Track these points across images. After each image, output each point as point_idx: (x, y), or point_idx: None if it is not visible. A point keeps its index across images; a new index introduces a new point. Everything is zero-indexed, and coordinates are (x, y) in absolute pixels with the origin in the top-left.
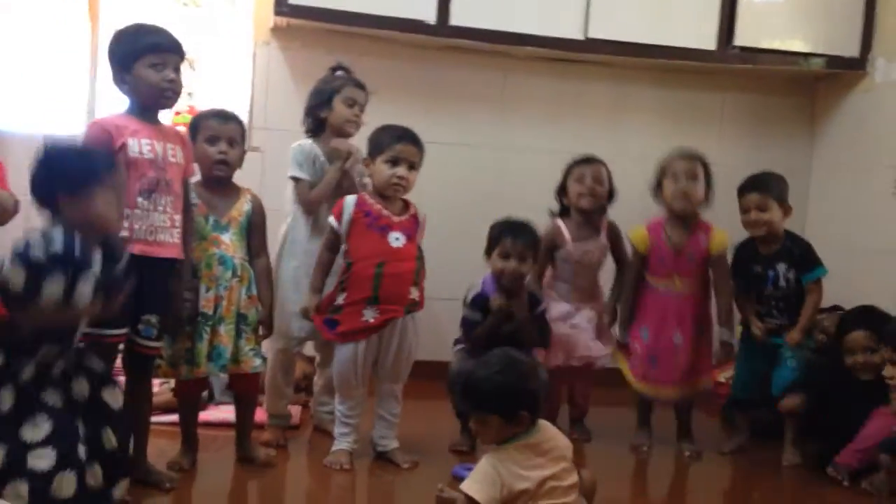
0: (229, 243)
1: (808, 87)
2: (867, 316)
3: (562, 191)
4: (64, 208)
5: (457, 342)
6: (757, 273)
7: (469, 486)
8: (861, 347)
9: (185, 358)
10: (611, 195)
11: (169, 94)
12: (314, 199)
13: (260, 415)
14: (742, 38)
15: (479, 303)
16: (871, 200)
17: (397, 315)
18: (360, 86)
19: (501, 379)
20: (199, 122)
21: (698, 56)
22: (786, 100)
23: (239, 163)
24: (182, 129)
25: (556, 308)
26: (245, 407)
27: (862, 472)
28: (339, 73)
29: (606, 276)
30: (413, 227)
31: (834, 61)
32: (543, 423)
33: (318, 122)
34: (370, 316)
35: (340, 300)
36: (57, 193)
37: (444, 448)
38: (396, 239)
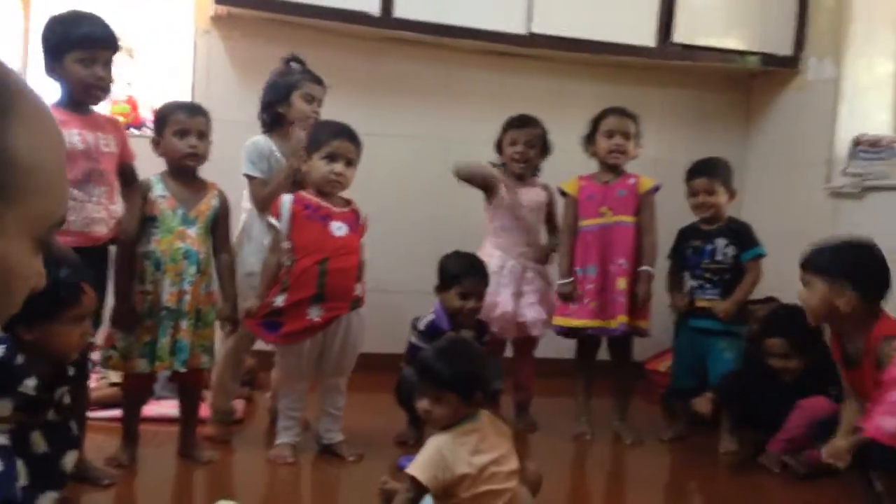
0: (195, 237)
1: (744, 83)
2: (788, 321)
3: (499, 147)
4: (22, 334)
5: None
6: (695, 246)
7: (414, 467)
8: (778, 354)
9: (144, 352)
10: (545, 152)
11: (97, 91)
12: (266, 198)
13: (203, 410)
14: (681, 35)
15: (431, 335)
16: (803, 194)
17: (342, 312)
18: (318, 81)
19: (463, 359)
20: (167, 115)
21: (638, 52)
22: (723, 96)
23: (207, 155)
24: (119, 117)
25: (501, 266)
26: (190, 402)
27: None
28: (294, 65)
29: None
30: (354, 220)
31: (769, 59)
32: (484, 411)
33: (274, 117)
34: (315, 315)
35: (280, 302)
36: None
37: (390, 440)
38: (339, 228)
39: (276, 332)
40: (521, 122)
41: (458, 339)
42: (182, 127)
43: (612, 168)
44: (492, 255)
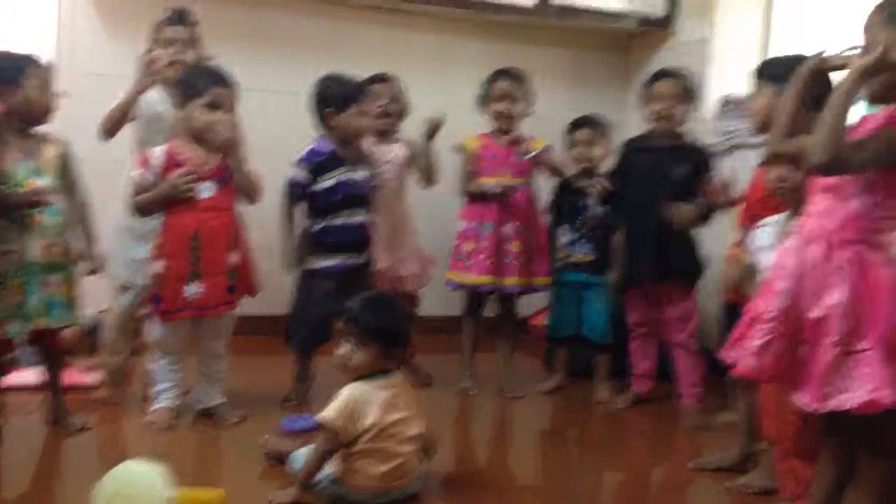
0: (47, 188)
1: (623, 44)
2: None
3: None
4: None
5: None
6: (572, 202)
7: (327, 414)
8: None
9: (13, 314)
10: (404, 111)
11: None
12: (106, 119)
13: (73, 376)
14: None
15: (309, 161)
16: None
17: (220, 300)
18: (179, 20)
19: (391, 313)
20: (24, 68)
21: (519, 12)
22: (602, 56)
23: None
24: None
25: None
26: (54, 366)
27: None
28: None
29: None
30: (225, 174)
31: (644, 20)
32: (400, 373)
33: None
34: (192, 293)
35: (159, 268)
36: None
37: (275, 402)
38: (207, 189)
39: (157, 304)
40: (381, 78)
41: (388, 294)
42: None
43: (504, 131)
44: None
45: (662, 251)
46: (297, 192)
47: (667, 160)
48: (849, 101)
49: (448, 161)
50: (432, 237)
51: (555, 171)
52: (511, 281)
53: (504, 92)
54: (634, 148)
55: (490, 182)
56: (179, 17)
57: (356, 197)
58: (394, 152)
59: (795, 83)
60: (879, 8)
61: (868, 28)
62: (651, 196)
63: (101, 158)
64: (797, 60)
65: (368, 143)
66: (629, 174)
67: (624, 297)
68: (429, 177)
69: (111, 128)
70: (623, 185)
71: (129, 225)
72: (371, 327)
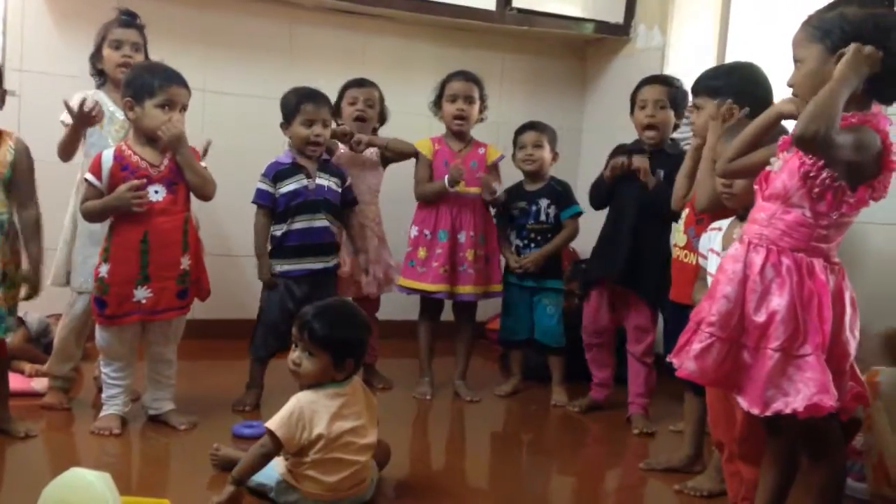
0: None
1: (580, 50)
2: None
3: (336, 109)
4: None
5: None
6: (521, 207)
7: (273, 423)
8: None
9: None
10: (382, 118)
11: None
12: (59, 152)
13: (15, 381)
14: (520, 0)
15: (270, 173)
16: None
17: (170, 305)
18: (127, 23)
19: (343, 323)
20: None
21: (479, 16)
22: (560, 62)
23: None
24: None
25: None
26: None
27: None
28: (123, 17)
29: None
30: (176, 175)
31: (601, 27)
32: (357, 379)
33: (98, 71)
34: (141, 296)
35: (104, 272)
36: None
37: (227, 408)
38: (156, 192)
39: (101, 310)
40: (359, 83)
41: (346, 303)
42: None
43: (459, 134)
44: None
45: (635, 253)
46: (264, 203)
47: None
48: (847, 86)
49: (405, 166)
50: (392, 243)
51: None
52: (467, 289)
53: (458, 92)
54: (621, 152)
55: (437, 183)
56: (130, 20)
57: (316, 202)
58: (364, 156)
59: (763, 121)
60: (805, 23)
61: (796, 46)
62: (629, 198)
63: (56, 158)
64: (732, 70)
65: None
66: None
67: (584, 304)
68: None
69: (66, 154)
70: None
71: (87, 229)
72: (320, 336)
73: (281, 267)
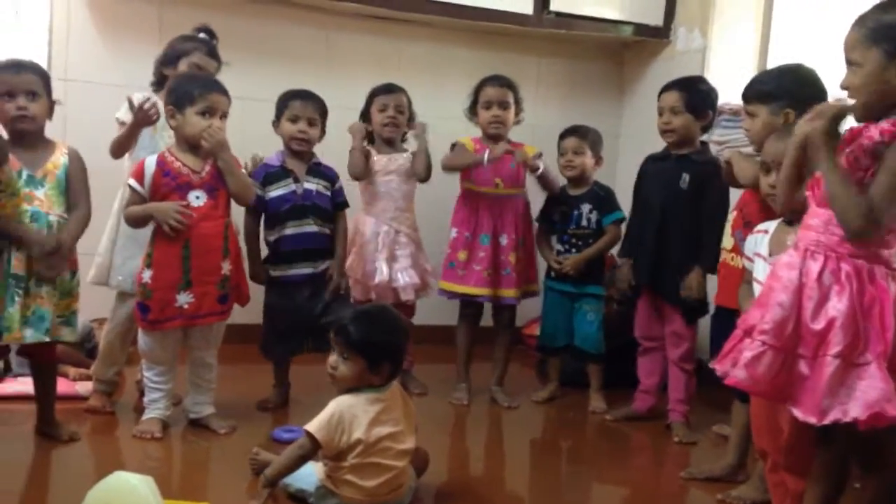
0: (44, 199)
1: (618, 53)
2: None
3: (365, 117)
4: None
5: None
6: (563, 212)
7: (312, 425)
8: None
9: None
10: (410, 119)
11: None
12: (112, 149)
13: (62, 385)
14: (557, 4)
15: (260, 174)
16: None
17: (211, 309)
18: (213, 55)
19: (379, 327)
20: None
21: (516, 20)
22: (597, 65)
23: (45, 114)
24: None
25: (375, 232)
26: (46, 377)
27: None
28: (202, 35)
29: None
30: (214, 183)
31: (640, 29)
32: (396, 385)
33: (160, 78)
34: (184, 301)
35: (147, 278)
36: None
37: (266, 413)
38: (197, 198)
39: (145, 315)
40: (388, 89)
41: (385, 308)
42: (8, 89)
43: (495, 138)
44: (365, 223)
45: (660, 256)
46: (255, 205)
47: (672, 169)
48: (835, 168)
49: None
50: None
51: (546, 184)
52: (510, 293)
53: (492, 98)
54: (652, 160)
55: (474, 155)
56: (212, 50)
57: (305, 207)
58: (399, 162)
59: (793, 156)
60: (859, 24)
61: (850, 48)
62: (656, 204)
63: (100, 166)
64: (781, 73)
65: (355, 154)
66: (642, 183)
67: (634, 310)
68: (425, 172)
69: (120, 151)
70: (637, 196)
71: (129, 230)
72: (354, 340)
73: (277, 272)
